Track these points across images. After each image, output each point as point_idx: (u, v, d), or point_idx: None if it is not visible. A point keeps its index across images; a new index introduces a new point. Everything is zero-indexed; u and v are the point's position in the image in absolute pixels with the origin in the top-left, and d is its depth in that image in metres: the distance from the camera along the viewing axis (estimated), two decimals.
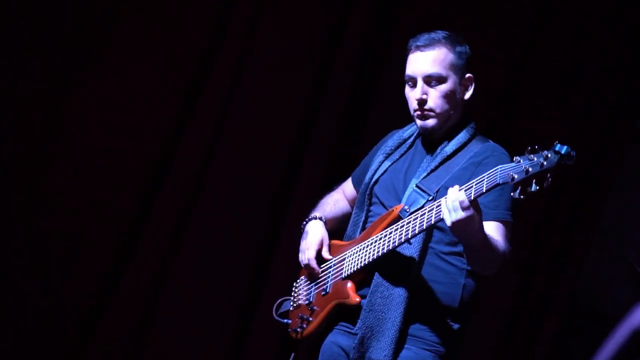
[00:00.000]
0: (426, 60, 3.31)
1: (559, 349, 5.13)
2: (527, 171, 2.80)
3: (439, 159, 3.29)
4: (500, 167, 2.87)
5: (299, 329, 3.40)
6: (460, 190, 2.96)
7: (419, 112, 3.34)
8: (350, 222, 3.45)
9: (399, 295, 3.16)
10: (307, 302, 3.42)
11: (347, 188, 3.69)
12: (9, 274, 4.83)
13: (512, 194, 2.83)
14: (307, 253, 3.44)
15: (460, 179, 3.12)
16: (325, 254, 3.43)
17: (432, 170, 3.27)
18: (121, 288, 4.94)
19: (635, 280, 5.00)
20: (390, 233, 3.16)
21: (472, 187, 2.94)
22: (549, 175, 2.79)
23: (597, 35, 5.13)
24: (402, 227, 3.13)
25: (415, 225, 3.08)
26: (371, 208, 3.39)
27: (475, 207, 2.95)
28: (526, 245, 5.06)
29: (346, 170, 3.82)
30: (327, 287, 3.35)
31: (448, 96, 3.31)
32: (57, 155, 4.87)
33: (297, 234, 3.61)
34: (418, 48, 3.34)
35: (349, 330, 3.28)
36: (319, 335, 3.36)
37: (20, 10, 4.79)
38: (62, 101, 4.86)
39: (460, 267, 3.23)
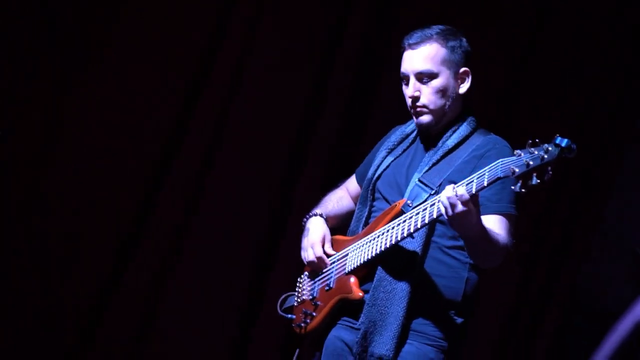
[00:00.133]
0: (417, 57, 3.33)
1: (560, 343, 5.13)
2: (528, 164, 2.81)
3: (440, 152, 3.30)
4: (502, 161, 2.87)
5: (302, 324, 3.41)
6: (460, 184, 2.96)
7: (413, 109, 3.35)
8: (354, 217, 3.47)
9: (401, 289, 3.17)
10: (311, 297, 3.43)
11: (351, 185, 3.70)
12: (9, 274, 4.83)
13: (512, 187, 2.83)
14: (314, 250, 3.44)
15: (463, 172, 3.13)
16: (329, 249, 3.44)
17: (434, 164, 3.28)
18: (121, 288, 4.94)
19: (637, 279, 5.00)
20: (393, 228, 3.17)
21: (473, 181, 2.94)
22: (549, 168, 2.80)
23: (597, 35, 5.13)
24: (404, 221, 3.14)
25: (418, 220, 3.09)
26: (374, 203, 3.40)
27: (474, 201, 2.96)
28: (528, 239, 5.06)
29: (346, 170, 3.82)
30: (330, 282, 3.36)
31: (441, 91, 3.32)
32: (57, 155, 4.87)
33: (298, 234, 3.61)
34: (410, 46, 3.37)
35: (351, 325, 3.29)
36: (322, 330, 3.36)
37: (20, 10, 4.79)
38: (62, 101, 4.86)
39: (463, 261, 3.23)
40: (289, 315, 3.52)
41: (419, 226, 3.09)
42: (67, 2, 4.82)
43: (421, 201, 3.18)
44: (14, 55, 4.79)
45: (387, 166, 3.42)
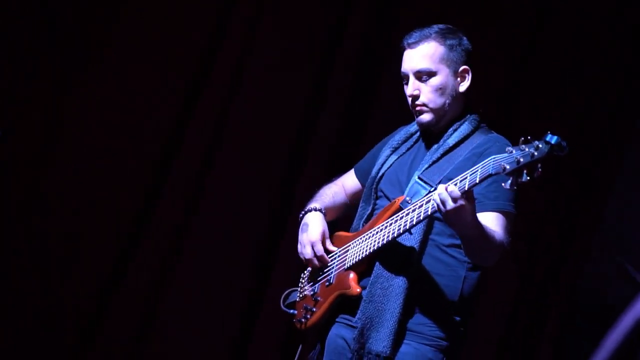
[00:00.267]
0: (415, 56, 3.35)
1: (560, 343, 5.12)
2: (518, 161, 2.82)
3: (441, 150, 3.31)
4: (493, 158, 2.89)
5: (303, 320, 3.42)
6: (453, 181, 2.97)
7: (413, 108, 3.36)
8: (357, 215, 3.47)
9: (398, 286, 3.17)
10: (312, 292, 3.44)
11: (348, 180, 3.70)
12: (9, 274, 4.83)
13: (503, 184, 2.85)
14: (315, 249, 3.44)
15: (462, 170, 3.12)
16: (330, 246, 3.45)
17: (434, 162, 3.29)
18: (121, 288, 4.95)
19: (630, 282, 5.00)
20: (391, 224, 3.18)
21: (466, 177, 2.96)
22: (539, 165, 2.80)
23: (597, 35, 5.13)
24: (401, 218, 3.15)
25: (414, 216, 3.10)
26: (377, 201, 3.41)
27: (469, 198, 2.97)
28: (526, 240, 5.05)
29: (346, 170, 3.82)
30: (331, 277, 3.37)
31: (440, 90, 3.33)
32: (57, 155, 4.87)
33: (298, 233, 3.60)
34: (409, 45, 3.38)
35: (349, 323, 3.29)
36: (322, 326, 3.36)
37: (20, 10, 4.79)
38: (62, 101, 4.86)
39: (461, 259, 3.23)
40: (291, 311, 3.53)
41: (414, 223, 3.10)
42: (67, 2, 4.83)
43: (419, 198, 3.19)
44: (14, 55, 4.79)
45: (391, 165, 3.44)
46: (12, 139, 4.76)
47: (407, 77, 3.38)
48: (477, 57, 3.47)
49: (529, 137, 2.84)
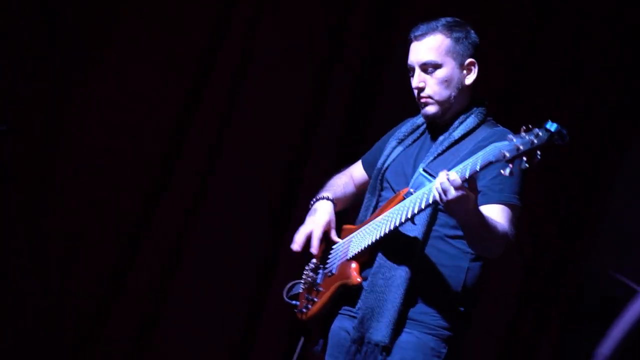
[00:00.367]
0: (421, 49, 3.36)
1: (561, 343, 5.13)
2: (518, 149, 2.82)
3: (446, 143, 3.31)
4: (494, 145, 2.89)
5: (304, 310, 3.42)
6: (454, 169, 2.98)
7: (419, 100, 3.37)
8: (363, 206, 3.47)
9: (400, 276, 3.17)
10: (314, 283, 3.44)
11: (356, 171, 3.71)
12: (9, 274, 4.83)
13: (502, 171, 2.85)
14: (314, 234, 3.43)
15: None
16: (334, 236, 3.45)
17: (439, 154, 3.29)
18: (121, 288, 4.94)
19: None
20: (393, 214, 3.18)
21: (467, 165, 2.96)
22: (538, 152, 2.81)
23: (597, 35, 5.13)
24: (403, 207, 3.15)
25: (415, 205, 3.10)
26: (382, 193, 3.41)
27: (471, 187, 2.97)
28: (529, 241, 5.05)
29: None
30: (333, 268, 3.37)
31: (446, 82, 3.34)
32: (58, 155, 4.87)
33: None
34: (415, 38, 3.39)
35: (351, 314, 3.29)
36: (323, 316, 3.36)
37: (20, 10, 4.79)
38: (62, 101, 4.86)
39: (464, 250, 3.23)
40: (294, 302, 3.53)
41: (415, 211, 3.09)
42: (67, 2, 4.83)
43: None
44: (14, 55, 4.79)
45: (397, 156, 3.44)
46: (12, 138, 4.76)
47: (413, 69, 3.38)
48: (478, 56, 3.48)
49: (529, 126, 2.85)
